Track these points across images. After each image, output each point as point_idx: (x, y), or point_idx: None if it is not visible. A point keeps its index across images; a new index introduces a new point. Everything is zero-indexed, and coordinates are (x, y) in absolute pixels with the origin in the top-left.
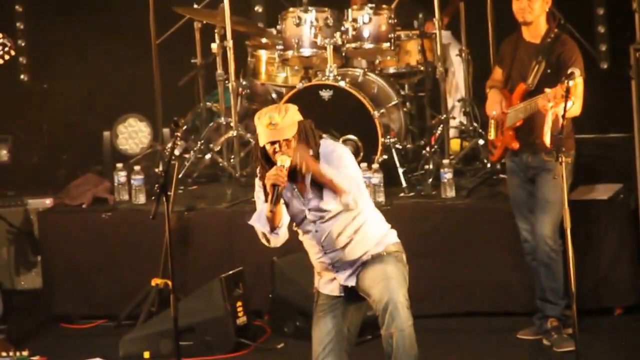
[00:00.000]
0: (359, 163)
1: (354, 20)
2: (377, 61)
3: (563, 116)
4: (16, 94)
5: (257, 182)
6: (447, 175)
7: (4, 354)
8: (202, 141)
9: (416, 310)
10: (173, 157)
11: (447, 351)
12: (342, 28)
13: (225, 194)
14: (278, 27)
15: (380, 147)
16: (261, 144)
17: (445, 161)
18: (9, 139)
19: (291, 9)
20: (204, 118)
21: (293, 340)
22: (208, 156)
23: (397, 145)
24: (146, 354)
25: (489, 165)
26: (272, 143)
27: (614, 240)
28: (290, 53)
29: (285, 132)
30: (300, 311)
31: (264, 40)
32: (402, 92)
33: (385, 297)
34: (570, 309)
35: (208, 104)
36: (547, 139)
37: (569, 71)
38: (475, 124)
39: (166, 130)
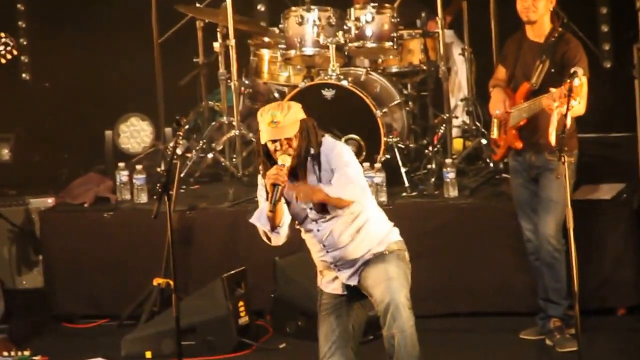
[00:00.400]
0: (361, 162)
1: (357, 19)
2: (379, 60)
3: (565, 115)
4: (18, 93)
5: (260, 180)
6: (450, 174)
7: (5, 353)
8: (204, 140)
9: (418, 310)
10: (175, 157)
11: (449, 351)
12: (345, 27)
13: (227, 194)
14: (280, 26)
15: (382, 147)
16: (262, 142)
17: (448, 161)
18: (11, 138)
19: (294, 8)
20: (206, 117)
21: (295, 340)
22: (210, 155)
23: (400, 145)
24: (148, 354)
25: (491, 164)
26: (274, 141)
27: (617, 240)
28: (292, 52)
29: (286, 130)
30: (303, 311)
31: (266, 39)
32: (405, 92)
33: (386, 298)
34: (573, 309)
35: (210, 103)
36: (552, 139)
37: (572, 70)
38: (477, 124)
39: (168, 130)
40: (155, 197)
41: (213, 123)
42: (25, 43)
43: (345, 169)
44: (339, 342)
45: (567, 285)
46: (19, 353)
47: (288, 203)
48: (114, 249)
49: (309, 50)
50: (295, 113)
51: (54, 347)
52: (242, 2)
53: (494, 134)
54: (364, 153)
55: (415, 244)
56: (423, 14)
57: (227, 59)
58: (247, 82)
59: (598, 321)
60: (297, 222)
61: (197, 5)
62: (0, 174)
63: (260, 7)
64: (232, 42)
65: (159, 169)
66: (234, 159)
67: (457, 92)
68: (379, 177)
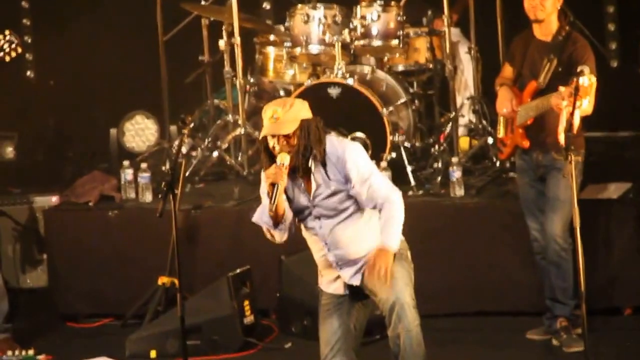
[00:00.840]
0: None
1: (363, 17)
2: (385, 59)
3: (572, 114)
4: (22, 91)
5: (263, 176)
6: (456, 173)
7: (9, 352)
8: (210, 139)
9: (424, 309)
10: (180, 155)
11: (455, 351)
12: (351, 25)
13: (232, 192)
14: (286, 24)
15: (388, 145)
16: (260, 137)
17: (454, 159)
18: (15, 136)
19: (299, 6)
20: (211, 115)
21: (300, 339)
22: (215, 154)
23: (406, 144)
24: (153, 353)
25: (498, 163)
26: (273, 136)
27: (623, 240)
28: (298, 50)
29: (284, 127)
30: (308, 310)
31: (272, 37)
32: (411, 90)
33: (391, 298)
34: (580, 309)
35: (215, 101)
36: (562, 138)
37: (578, 69)
38: (484, 122)
39: (173, 128)
40: (160, 195)
41: (218, 121)
42: (29, 41)
43: (371, 178)
44: (340, 343)
45: (574, 285)
46: (23, 352)
47: (289, 200)
48: (119, 248)
49: (314, 49)
50: (297, 111)
51: (58, 346)
52: (247, 0)
53: (501, 132)
54: (370, 152)
55: (421, 243)
56: (429, 12)
57: (232, 57)
58: (252, 80)
59: (605, 321)
60: (298, 220)
61: (203, 3)
62: (5, 172)
63: (266, 5)
64: (237, 40)
65: (164, 168)
66: (239, 158)
67: (464, 91)
68: (385, 176)
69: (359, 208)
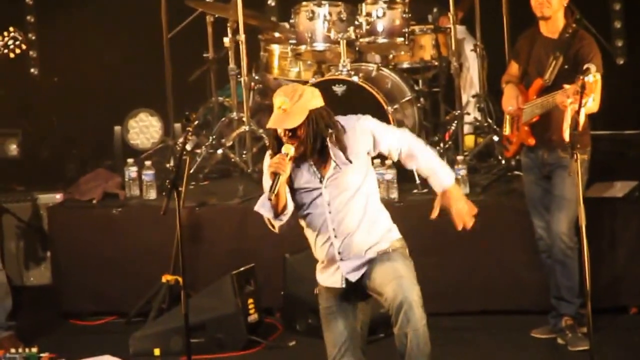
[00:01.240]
0: (372, 159)
1: (368, 14)
2: (391, 56)
3: (578, 112)
4: (26, 88)
5: (266, 163)
6: (462, 171)
7: (12, 350)
8: (214, 136)
9: (430, 308)
10: (184, 153)
11: (460, 349)
12: (356, 22)
13: (237, 190)
14: (291, 21)
15: None
16: (267, 126)
17: (460, 157)
18: (19, 134)
19: (304, 3)
20: (215, 113)
21: (305, 337)
22: (220, 151)
23: None
24: (156, 351)
25: (503, 161)
26: None
27: (629, 238)
28: (303, 47)
29: (290, 120)
30: (312, 308)
31: (276, 34)
32: (416, 88)
33: (399, 297)
34: (585, 308)
35: (220, 98)
36: (567, 136)
37: (585, 67)
38: (489, 120)
39: (177, 125)
40: (164, 193)
41: (223, 119)
42: (33, 38)
43: (392, 131)
44: (348, 343)
45: (579, 284)
46: (27, 350)
47: (292, 188)
48: (123, 246)
49: (319, 46)
50: (306, 101)
51: (62, 344)
52: None
53: (507, 130)
54: None
55: (426, 241)
56: (435, 9)
57: (237, 54)
58: (257, 77)
59: (610, 320)
60: (305, 206)
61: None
62: (9, 169)
63: (271, 2)
64: (242, 37)
65: (168, 165)
66: (243, 155)
67: (469, 89)
68: (390, 174)
69: (366, 191)
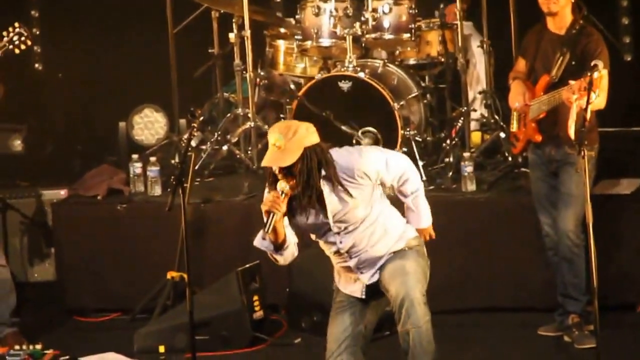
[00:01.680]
0: None
1: (374, 10)
2: (397, 52)
3: (585, 109)
4: (31, 83)
5: (265, 196)
6: (468, 168)
7: (16, 347)
8: (219, 132)
9: (435, 305)
10: (189, 149)
11: (466, 347)
12: (362, 18)
13: (242, 186)
14: (297, 16)
15: (399, 140)
16: (262, 164)
17: (466, 154)
18: (23, 129)
19: None
20: (221, 109)
21: (310, 335)
22: (225, 147)
23: (417, 138)
24: (161, 348)
25: (510, 158)
26: None
27: (636, 236)
28: (309, 43)
29: (284, 159)
30: (318, 306)
31: (282, 30)
32: (423, 84)
33: (401, 294)
34: (592, 305)
35: (225, 94)
36: (572, 132)
37: (592, 63)
38: (496, 117)
39: (183, 121)
40: (169, 189)
41: (228, 115)
42: (38, 33)
43: (393, 162)
44: (349, 341)
45: (586, 281)
46: (31, 347)
47: (292, 220)
48: (127, 242)
49: (325, 42)
50: (301, 138)
51: (66, 341)
52: None
53: (514, 127)
54: (381, 146)
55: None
56: (441, 6)
57: (242, 49)
58: (262, 73)
59: (617, 317)
60: (316, 236)
61: None
62: (13, 165)
63: None
64: (247, 32)
65: (173, 161)
66: (249, 151)
67: (476, 85)
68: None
69: (374, 215)
